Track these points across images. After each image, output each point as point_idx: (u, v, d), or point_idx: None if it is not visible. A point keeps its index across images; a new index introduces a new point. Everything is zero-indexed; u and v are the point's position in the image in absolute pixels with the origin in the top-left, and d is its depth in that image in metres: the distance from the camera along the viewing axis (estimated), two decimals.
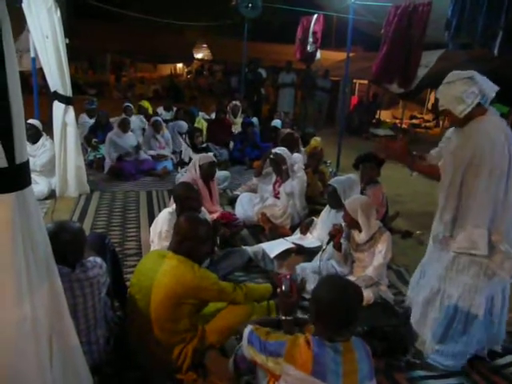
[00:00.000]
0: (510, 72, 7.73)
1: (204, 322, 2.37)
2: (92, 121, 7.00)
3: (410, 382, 2.41)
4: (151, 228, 3.15)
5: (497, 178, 2.17)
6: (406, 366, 2.52)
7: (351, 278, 2.88)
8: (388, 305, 2.84)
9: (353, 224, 2.95)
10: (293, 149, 4.81)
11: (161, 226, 2.98)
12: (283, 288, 2.07)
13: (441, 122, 12.15)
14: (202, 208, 3.43)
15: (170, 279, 2.13)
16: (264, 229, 4.15)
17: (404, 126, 11.74)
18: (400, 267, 3.70)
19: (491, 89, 2.22)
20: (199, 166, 4.01)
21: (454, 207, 2.28)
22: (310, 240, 3.70)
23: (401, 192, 5.66)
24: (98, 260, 2.21)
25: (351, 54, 9.86)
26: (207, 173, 4.03)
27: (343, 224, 3.04)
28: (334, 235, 2.98)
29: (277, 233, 3.98)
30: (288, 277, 2.13)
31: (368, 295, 2.74)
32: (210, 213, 3.84)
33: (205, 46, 18.66)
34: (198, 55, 19.49)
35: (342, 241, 3.00)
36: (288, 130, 6.01)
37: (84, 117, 7.13)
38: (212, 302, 2.36)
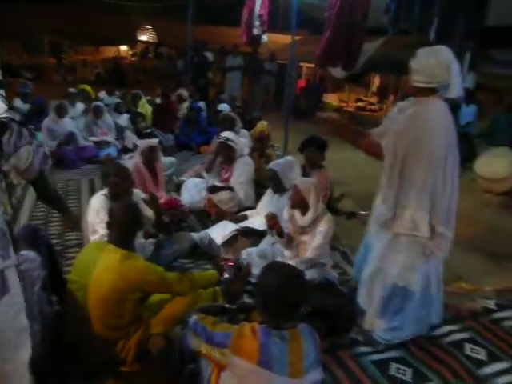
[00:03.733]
0: (459, 57, 8.04)
1: (148, 312, 2.33)
2: (26, 106, 6.59)
3: (354, 358, 2.49)
4: (88, 217, 3.01)
5: (436, 164, 2.24)
6: (349, 343, 2.60)
7: (294, 260, 2.91)
8: (332, 285, 2.90)
9: (300, 204, 2.95)
10: (231, 129, 4.79)
11: (97, 214, 2.86)
12: (227, 275, 2.07)
13: (384, 106, 12.50)
14: (137, 190, 3.36)
15: (113, 275, 2.06)
16: (210, 214, 4.11)
17: (350, 108, 11.98)
18: (345, 247, 3.79)
19: (457, 83, 2.28)
20: (140, 151, 3.90)
21: (396, 189, 2.34)
22: (258, 222, 3.71)
23: (346, 174, 5.78)
24: (31, 254, 2.10)
25: (298, 38, 9.86)
26: (148, 158, 3.93)
27: (287, 208, 3.06)
28: (273, 225, 2.97)
29: (224, 218, 3.95)
30: (231, 264, 2.12)
31: (311, 276, 2.78)
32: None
33: (150, 27, 18.04)
34: (143, 37, 18.81)
35: (283, 225, 3.01)
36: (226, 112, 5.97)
37: (17, 101, 6.69)
38: (158, 293, 2.33)
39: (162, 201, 3.83)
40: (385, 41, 8.87)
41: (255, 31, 8.38)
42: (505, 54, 8.87)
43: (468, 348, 2.65)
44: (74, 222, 2.57)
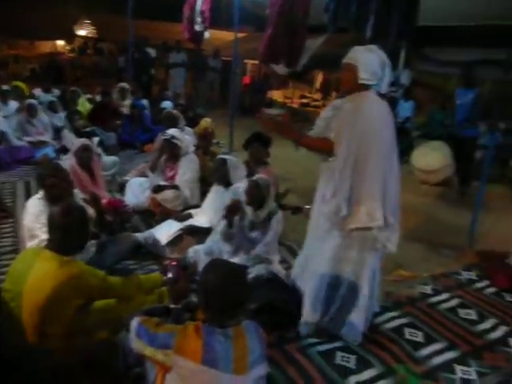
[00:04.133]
0: (393, 55, 8.38)
1: (92, 318, 2.25)
2: None
3: (300, 350, 2.53)
4: (25, 221, 2.86)
5: (385, 154, 2.29)
6: (296, 336, 2.65)
7: (241, 257, 2.92)
8: (279, 280, 2.93)
9: (257, 201, 2.97)
10: (174, 127, 4.73)
11: (36, 218, 2.72)
12: (170, 275, 2.04)
13: (328, 102, 12.81)
14: (76, 190, 3.24)
15: (49, 282, 1.96)
16: (155, 214, 4.03)
17: (294, 105, 12.19)
18: (291, 242, 3.85)
19: (385, 83, 2.37)
20: (73, 152, 3.75)
21: (350, 183, 2.30)
22: (203, 220, 3.69)
23: (291, 169, 5.87)
24: None
25: (242, 35, 9.88)
26: (82, 158, 3.79)
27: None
28: (234, 210, 2.95)
29: (169, 217, 3.89)
30: (174, 263, 2.09)
31: (259, 272, 2.81)
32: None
33: (88, 22, 17.35)
34: (81, 32, 18.05)
35: (235, 218, 3.02)
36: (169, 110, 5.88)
37: None
38: (102, 299, 2.25)
39: (104, 201, 3.71)
40: (326, 38, 9.10)
41: (197, 27, 8.28)
42: (437, 52, 9.36)
43: (407, 332, 2.78)
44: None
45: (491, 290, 3.41)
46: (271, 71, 11.64)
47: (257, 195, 2.94)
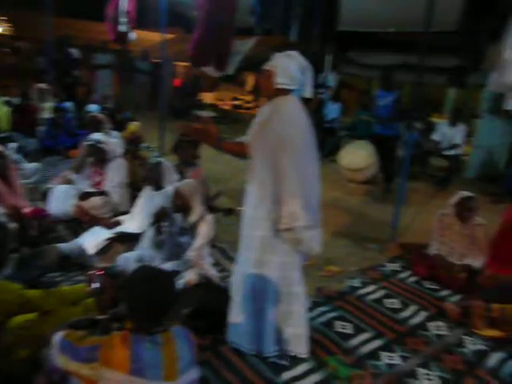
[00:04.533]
0: (319, 58, 8.67)
1: (10, 336, 2.10)
2: None
3: (235, 351, 2.55)
4: None
5: (301, 156, 2.34)
6: None
7: (173, 262, 2.88)
8: (212, 283, 2.93)
9: (183, 207, 2.94)
10: (100, 131, 4.58)
11: None
12: (95, 285, 1.96)
13: (260, 104, 12.99)
14: None
15: None
16: (82, 222, 3.86)
17: (226, 107, 12.23)
18: (223, 244, 3.86)
19: (309, 86, 2.42)
20: None
21: (271, 185, 2.32)
22: (134, 226, 3.59)
23: (223, 171, 5.90)
24: None
25: (171, 36, 9.73)
26: None
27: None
28: (161, 218, 2.91)
29: (98, 225, 3.74)
30: (100, 272, 2.02)
31: (192, 276, 2.79)
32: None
33: (4, 18, 16.20)
34: None
35: (165, 224, 2.97)
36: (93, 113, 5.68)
37: None
38: (20, 314, 2.11)
39: (25, 211, 3.50)
40: (257, 41, 9.22)
41: (122, 28, 8.04)
42: (361, 56, 9.83)
43: (338, 325, 2.90)
44: None
45: (413, 279, 3.65)
46: (202, 73, 11.58)
47: (181, 203, 2.91)
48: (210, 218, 2.98)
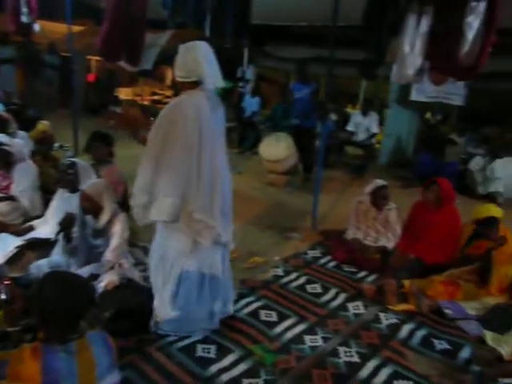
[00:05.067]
0: (233, 51, 8.70)
1: None
2: None
3: (161, 350, 2.51)
4: None
5: (188, 151, 2.33)
6: (156, 336, 2.62)
7: (91, 265, 2.77)
8: (134, 283, 2.86)
9: (93, 209, 2.81)
10: (4, 132, 4.26)
11: None
12: (2, 296, 1.83)
13: None
14: None
15: None
16: None
17: (145, 102, 11.87)
18: (145, 243, 3.76)
19: (214, 76, 2.41)
20: None
21: (150, 176, 2.36)
22: (47, 230, 3.39)
23: None
24: None
25: (80, 28, 9.22)
26: None
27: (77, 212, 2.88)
28: (67, 225, 2.77)
29: (6, 232, 3.48)
30: (7, 282, 1.89)
31: (111, 278, 2.69)
32: None
33: None
34: None
35: (75, 230, 2.83)
36: None
37: None
38: None
39: None
40: (172, 34, 9.03)
41: (24, 19, 7.45)
42: (277, 50, 10.01)
43: (262, 314, 2.96)
44: None
45: (332, 263, 3.83)
46: (118, 68, 11.14)
47: (89, 205, 2.80)
48: (123, 216, 2.89)
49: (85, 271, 2.72)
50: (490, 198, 5.93)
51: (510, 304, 3.01)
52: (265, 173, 6.22)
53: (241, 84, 9.22)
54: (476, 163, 6.70)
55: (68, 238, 2.81)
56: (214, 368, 2.41)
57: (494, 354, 2.66)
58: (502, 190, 6.08)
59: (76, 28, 8.34)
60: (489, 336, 2.82)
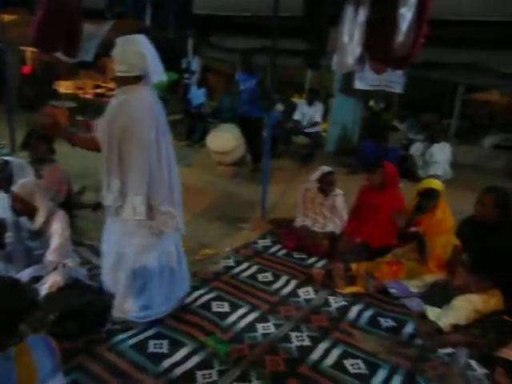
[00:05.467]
0: (176, 42, 8.51)
1: None
2: None
3: (112, 349, 2.46)
4: None
5: (148, 148, 2.35)
6: (107, 336, 2.56)
7: (33, 268, 2.66)
8: (80, 283, 2.77)
9: (26, 210, 2.69)
10: None
11: None
12: None
13: None
14: None
15: None
16: None
17: (88, 96, 11.44)
18: (92, 241, 3.67)
19: (158, 70, 2.38)
20: None
21: (118, 177, 2.39)
22: None
23: (89, 165, 5.53)
24: None
25: (12, 17, 8.70)
26: None
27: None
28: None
29: None
30: None
31: (56, 279, 2.60)
32: None
33: None
34: None
35: (8, 234, 2.70)
36: None
37: None
38: None
39: None
40: (113, 25, 8.71)
41: None
42: (222, 40, 9.93)
43: (214, 305, 2.97)
44: None
45: (283, 251, 3.90)
46: (55, 59, 10.64)
47: (21, 206, 2.67)
48: (61, 214, 2.79)
49: (25, 274, 2.60)
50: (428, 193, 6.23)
51: (447, 280, 3.19)
52: (214, 165, 6.19)
53: (186, 75, 9.08)
54: (416, 148, 7.02)
55: (1, 245, 2.67)
56: (166, 363, 2.40)
57: (434, 327, 2.83)
58: (441, 173, 6.42)
59: (7, 17, 7.86)
60: (429, 311, 3.00)
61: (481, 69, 7.70)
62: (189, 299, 3.00)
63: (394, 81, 7.20)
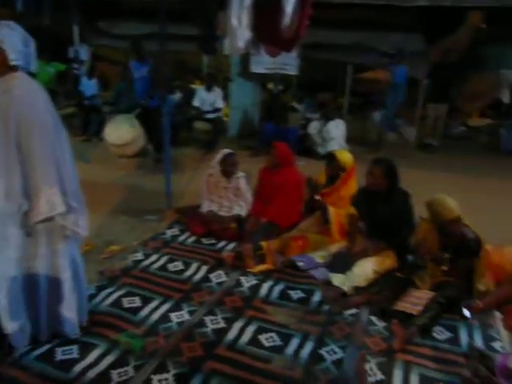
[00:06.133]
0: (59, 29, 7.93)
1: None
2: None
3: (15, 364, 2.28)
4: None
5: (51, 137, 2.15)
6: (8, 350, 2.36)
7: None
8: None
9: None
10: None
11: None
12: None
13: None
14: None
15: None
16: None
17: None
18: None
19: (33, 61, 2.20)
20: None
21: (20, 174, 2.08)
22: None
23: None
24: None
25: None
26: None
27: None
28: None
29: None
30: None
31: None
32: None
33: None
34: None
35: None
36: None
37: None
38: None
39: None
40: None
41: None
42: (111, 26, 9.47)
43: (125, 302, 2.89)
44: None
45: (192, 239, 3.89)
46: None
47: None
48: None
49: None
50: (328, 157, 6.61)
51: (348, 248, 3.44)
52: (114, 158, 5.95)
53: (75, 65, 8.51)
54: (313, 127, 7.37)
55: None
56: (77, 368, 2.29)
57: (339, 292, 3.06)
58: (337, 148, 6.81)
59: None
60: (334, 278, 3.22)
61: (364, 49, 8.28)
62: (97, 299, 2.88)
63: (289, 63, 7.44)
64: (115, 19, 9.20)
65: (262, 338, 2.60)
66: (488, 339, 2.70)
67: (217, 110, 7.31)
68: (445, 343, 2.64)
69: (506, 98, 9.02)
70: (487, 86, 8.77)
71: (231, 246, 3.79)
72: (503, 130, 8.82)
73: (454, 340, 2.67)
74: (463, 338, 2.70)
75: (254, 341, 2.57)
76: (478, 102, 9.30)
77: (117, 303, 2.87)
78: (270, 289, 3.14)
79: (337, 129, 7.17)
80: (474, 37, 8.01)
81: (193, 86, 9.26)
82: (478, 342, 2.67)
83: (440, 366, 2.44)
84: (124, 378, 2.25)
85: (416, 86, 8.83)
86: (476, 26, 7.90)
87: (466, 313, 2.86)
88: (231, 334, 2.62)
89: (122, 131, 5.61)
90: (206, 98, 7.21)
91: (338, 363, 2.42)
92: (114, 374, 2.28)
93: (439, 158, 7.77)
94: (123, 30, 8.81)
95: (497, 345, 2.65)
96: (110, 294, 2.97)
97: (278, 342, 2.57)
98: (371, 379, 2.32)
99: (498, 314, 2.91)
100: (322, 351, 2.51)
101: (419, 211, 3.25)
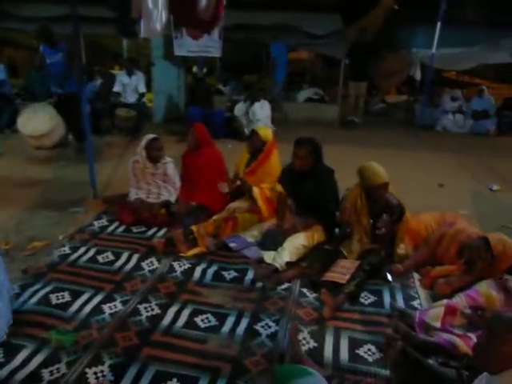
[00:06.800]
0: None
1: None
2: None
3: None
4: None
5: None
6: None
7: None
8: None
9: None
10: None
11: None
12: None
13: None
14: None
15: None
16: None
17: None
18: None
19: None
20: None
21: None
22: None
23: None
24: None
25: None
26: None
27: None
28: None
29: None
30: None
31: None
32: None
33: None
34: None
35: None
36: None
37: None
38: None
39: None
40: None
41: None
42: (18, 8, 8.75)
43: (54, 298, 2.77)
44: None
45: (121, 228, 3.80)
46: None
47: None
48: None
49: None
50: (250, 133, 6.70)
51: (278, 225, 3.54)
52: (31, 150, 5.59)
53: None
54: (239, 109, 7.41)
55: None
56: (3, 372, 2.17)
57: (271, 268, 3.15)
58: None
59: None
60: (266, 255, 3.32)
61: (288, 29, 8.39)
62: (22, 299, 2.74)
63: (211, 46, 7.36)
64: (23, 0, 8.52)
65: (198, 319, 2.62)
66: (408, 299, 2.93)
67: (140, 95, 7.09)
68: (370, 307, 2.83)
69: (417, 76, 9.62)
70: (401, 63, 9.29)
71: (162, 232, 3.75)
72: (417, 106, 9.43)
73: (379, 303, 2.88)
74: (386, 300, 2.91)
75: (189, 323, 2.59)
76: (393, 79, 9.84)
77: (44, 300, 2.75)
78: (204, 271, 3.16)
79: (262, 110, 7.26)
80: (388, 17, 8.42)
81: (113, 71, 8.88)
82: (400, 302, 2.89)
83: (367, 327, 2.62)
84: (56, 375, 2.18)
85: (337, 65, 9.15)
86: (389, 7, 8.31)
87: (389, 277, 3.09)
88: (166, 320, 2.62)
89: (38, 121, 5.27)
90: (127, 83, 6.96)
91: (272, 337, 2.51)
92: (46, 372, 2.19)
93: (362, 134, 8.16)
94: (31, 11, 8.18)
95: (415, 303, 2.89)
96: (36, 291, 2.83)
97: (214, 322, 2.61)
98: (305, 348, 2.44)
99: (416, 275, 3.18)
100: (257, 326, 2.59)
101: (344, 185, 3.41)
